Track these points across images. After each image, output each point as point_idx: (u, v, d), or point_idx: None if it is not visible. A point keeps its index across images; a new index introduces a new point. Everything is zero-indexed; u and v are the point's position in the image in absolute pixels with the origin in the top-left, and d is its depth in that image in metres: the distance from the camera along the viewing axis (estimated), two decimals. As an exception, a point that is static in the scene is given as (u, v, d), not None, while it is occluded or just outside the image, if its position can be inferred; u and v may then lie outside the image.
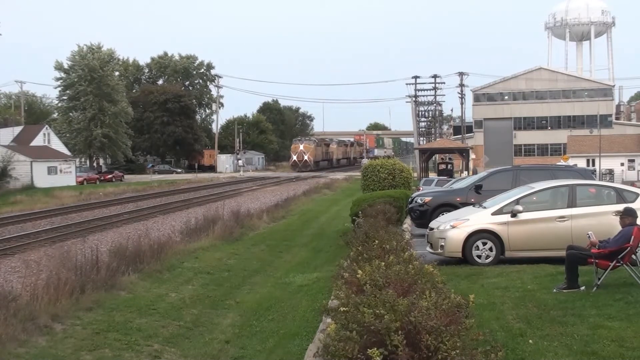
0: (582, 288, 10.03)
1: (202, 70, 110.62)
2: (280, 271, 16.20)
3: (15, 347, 8.60)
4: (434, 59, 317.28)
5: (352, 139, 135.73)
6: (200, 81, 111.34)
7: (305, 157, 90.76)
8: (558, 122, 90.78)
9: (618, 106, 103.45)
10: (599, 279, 10.10)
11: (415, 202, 20.11)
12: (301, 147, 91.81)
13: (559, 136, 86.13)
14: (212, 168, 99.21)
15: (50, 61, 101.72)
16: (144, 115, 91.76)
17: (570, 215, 13.25)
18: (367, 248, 8.43)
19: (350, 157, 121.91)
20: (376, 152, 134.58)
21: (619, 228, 10.58)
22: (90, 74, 76.66)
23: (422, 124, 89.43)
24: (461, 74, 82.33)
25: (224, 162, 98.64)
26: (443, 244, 13.64)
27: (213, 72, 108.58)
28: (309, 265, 16.64)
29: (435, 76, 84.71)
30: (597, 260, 10.12)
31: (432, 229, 14.34)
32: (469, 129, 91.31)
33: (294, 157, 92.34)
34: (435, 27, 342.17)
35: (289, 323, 10.84)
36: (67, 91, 79.32)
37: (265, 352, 9.44)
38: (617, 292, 9.74)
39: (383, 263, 6.74)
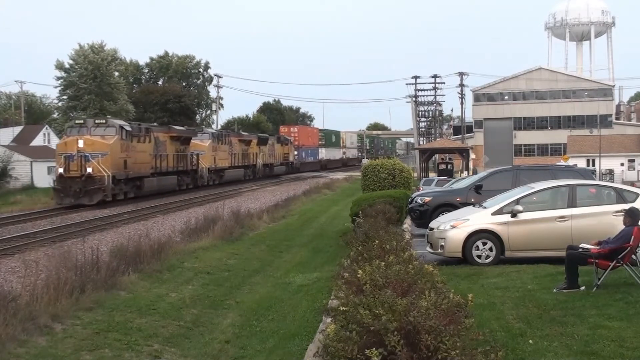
0: (582, 288, 10.04)
1: (200, 70, 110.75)
2: (280, 271, 16.20)
3: (15, 347, 8.60)
4: (434, 58, 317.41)
5: (278, 134, 79.82)
6: (199, 82, 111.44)
7: (89, 169, 34.17)
8: (558, 122, 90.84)
9: (618, 106, 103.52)
10: (599, 279, 10.11)
11: (415, 202, 20.13)
12: (80, 143, 35.00)
13: (559, 136, 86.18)
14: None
15: (49, 61, 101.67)
16: (144, 116, 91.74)
17: (570, 215, 13.26)
18: (367, 248, 8.44)
19: (257, 164, 63.30)
20: (322, 152, 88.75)
21: (619, 228, 10.61)
22: (92, 72, 76.75)
23: (422, 124, 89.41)
24: (461, 74, 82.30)
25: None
26: (443, 244, 13.65)
27: (213, 71, 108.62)
28: (309, 265, 16.64)
29: (435, 76, 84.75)
30: (597, 260, 10.14)
31: (432, 229, 14.35)
32: (469, 129, 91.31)
33: (60, 170, 34.93)
34: (436, 27, 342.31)
35: (289, 323, 10.84)
36: (68, 90, 79.38)
37: (265, 352, 9.44)
38: (617, 292, 9.75)
39: (383, 263, 6.75)
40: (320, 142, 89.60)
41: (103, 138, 35.43)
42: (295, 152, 77.58)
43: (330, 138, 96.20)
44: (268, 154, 67.01)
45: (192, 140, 47.52)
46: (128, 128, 37.68)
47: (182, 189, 45.15)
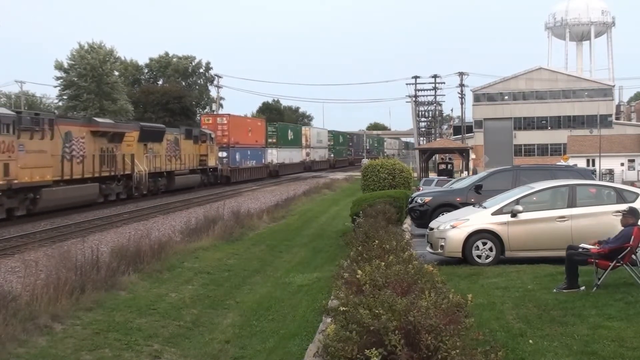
0: (582, 288, 10.04)
1: (201, 70, 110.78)
2: (280, 271, 16.20)
3: (15, 347, 8.60)
4: (434, 58, 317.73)
5: (192, 127, 55.45)
6: (200, 81, 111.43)
7: None
8: (558, 122, 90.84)
9: (618, 106, 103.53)
10: (599, 279, 10.12)
11: (415, 202, 20.13)
12: None
13: (559, 136, 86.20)
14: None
15: (49, 61, 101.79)
16: (144, 116, 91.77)
17: (570, 215, 13.26)
18: (367, 248, 8.44)
19: (137, 173, 36.81)
20: (273, 154, 66.78)
21: (619, 228, 10.61)
22: (90, 72, 76.74)
23: (422, 124, 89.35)
24: (461, 74, 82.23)
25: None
26: (443, 244, 13.65)
27: (213, 72, 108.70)
28: (309, 265, 16.65)
29: (435, 76, 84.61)
30: (597, 260, 10.15)
31: (432, 229, 14.35)
32: (469, 129, 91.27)
33: None
34: (436, 27, 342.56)
35: (289, 323, 10.84)
36: (67, 90, 79.36)
37: (265, 352, 9.44)
38: (617, 292, 9.75)
39: (383, 263, 6.75)
40: (270, 140, 67.46)
41: None
42: (224, 154, 53.39)
43: (286, 135, 72.19)
44: (166, 156, 41.75)
45: None
46: None
47: None
